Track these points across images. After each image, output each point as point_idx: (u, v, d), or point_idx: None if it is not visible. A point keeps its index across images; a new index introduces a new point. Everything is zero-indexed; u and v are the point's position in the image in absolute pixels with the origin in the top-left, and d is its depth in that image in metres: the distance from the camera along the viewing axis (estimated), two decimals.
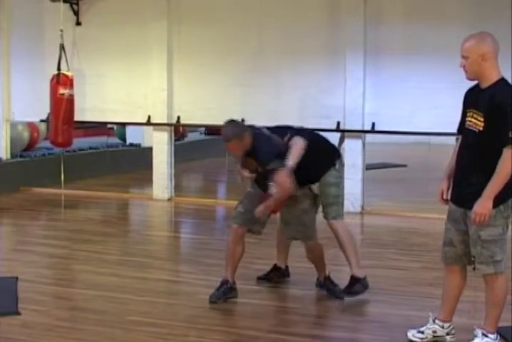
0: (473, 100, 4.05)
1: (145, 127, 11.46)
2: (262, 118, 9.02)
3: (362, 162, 8.77)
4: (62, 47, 8.81)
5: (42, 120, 10.05)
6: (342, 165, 5.50)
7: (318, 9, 8.75)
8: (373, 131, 8.66)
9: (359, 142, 8.75)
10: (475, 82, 4.13)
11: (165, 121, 9.54)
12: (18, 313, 4.78)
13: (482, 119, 3.90)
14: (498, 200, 3.93)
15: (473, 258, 4.05)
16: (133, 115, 9.65)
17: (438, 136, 8.78)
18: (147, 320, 4.72)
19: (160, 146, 9.66)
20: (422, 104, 8.28)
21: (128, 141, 13.43)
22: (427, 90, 8.21)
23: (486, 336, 4.13)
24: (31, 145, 11.20)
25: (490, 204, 3.86)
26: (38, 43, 9.92)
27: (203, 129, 15.37)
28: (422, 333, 4.31)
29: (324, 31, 8.68)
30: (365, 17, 8.43)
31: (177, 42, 9.44)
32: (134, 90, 9.63)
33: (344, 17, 8.54)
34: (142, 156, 10.80)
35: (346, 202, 8.79)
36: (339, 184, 5.29)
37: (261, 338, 4.47)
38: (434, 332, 4.30)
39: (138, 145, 13.05)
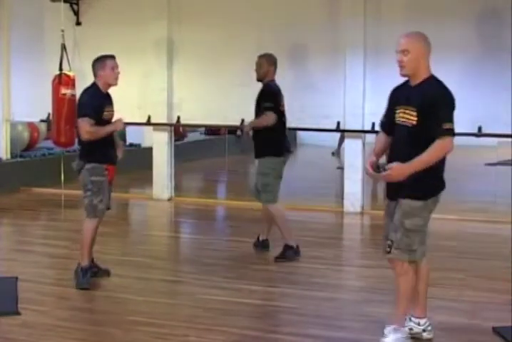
0: (403, 97, 4.11)
1: (145, 127, 11.45)
2: None
3: (362, 162, 8.77)
4: (63, 47, 8.80)
5: (42, 120, 10.06)
6: (283, 162, 6.37)
7: (318, 9, 8.75)
8: (373, 131, 8.66)
9: (359, 142, 8.75)
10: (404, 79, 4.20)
11: (165, 121, 9.54)
12: (18, 313, 4.78)
13: (415, 114, 3.99)
14: (429, 194, 4.08)
15: (389, 243, 4.11)
16: (133, 115, 9.65)
17: None
18: (147, 320, 4.73)
19: (160, 146, 9.66)
20: None
21: (128, 141, 13.43)
22: None
23: (397, 331, 4.16)
24: (31, 145, 11.21)
25: (407, 173, 3.91)
26: (38, 43, 9.92)
27: (203, 129, 15.36)
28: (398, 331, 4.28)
29: (324, 31, 8.68)
30: (365, 17, 8.43)
31: (177, 42, 9.44)
32: (134, 90, 9.62)
33: (344, 17, 8.55)
34: (142, 156, 10.79)
35: (346, 202, 8.91)
36: (269, 174, 6.24)
37: (261, 338, 4.47)
38: (411, 329, 4.31)
39: (138, 145, 13.05)
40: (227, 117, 9.25)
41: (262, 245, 6.62)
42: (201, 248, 7.07)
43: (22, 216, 8.58)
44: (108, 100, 5.60)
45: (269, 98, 6.25)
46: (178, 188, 9.94)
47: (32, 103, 9.87)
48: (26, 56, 9.99)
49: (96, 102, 5.47)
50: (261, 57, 6.42)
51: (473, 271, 6.15)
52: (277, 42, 8.79)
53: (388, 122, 4.23)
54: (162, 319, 4.75)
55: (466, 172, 12.29)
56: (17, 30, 10.05)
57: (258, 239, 6.65)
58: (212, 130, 14.86)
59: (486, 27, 8.01)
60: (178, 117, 9.54)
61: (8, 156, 10.33)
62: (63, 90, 8.76)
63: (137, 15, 9.42)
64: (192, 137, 15.15)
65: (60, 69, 8.75)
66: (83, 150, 5.61)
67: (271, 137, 6.23)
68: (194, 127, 13.57)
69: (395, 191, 4.14)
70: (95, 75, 5.53)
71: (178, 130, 12.80)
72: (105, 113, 5.49)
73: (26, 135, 11.06)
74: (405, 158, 3.96)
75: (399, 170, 3.93)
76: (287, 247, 6.25)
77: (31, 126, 11.12)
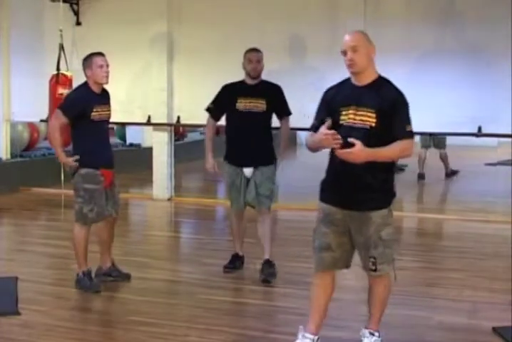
0: (351, 97, 3.90)
1: (145, 127, 11.46)
2: None
3: None
4: (61, 47, 8.80)
5: (42, 120, 10.05)
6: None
7: (318, 9, 8.75)
8: None
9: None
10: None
11: (165, 121, 9.53)
12: (18, 313, 4.78)
13: (374, 115, 3.81)
14: (389, 200, 3.96)
15: (373, 260, 3.92)
16: (133, 115, 9.65)
17: (438, 136, 8.81)
18: (147, 320, 4.72)
19: (160, 146, 9.66)
20: (422, 104, 8.25)
21: (128, 141, 13.44)
22: (427, 90, 8.20)
23: (373, 335, 4.10)
24: (31, 145, 11.21)
25: (365, 158, 3.71)
26: (38, 43, 9.91)
27: (203, 129, 15.35)
28: None
29: (324, 31, 8.68)
30: (365, 17, 8.43)
31: (177, 42, 9.44)
32: (134, 90, 9.62)
33: (344, 17, 8.54)
34: (143, 156, 10.79)
35: None
36: (275, 181, 5.80)
37: (261, 338, 4.47)
38: None
39: (138, 145, 13.05)
40: None
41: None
42: (201, 248, 7.08)
43: (22, 216, 8.59)
44: (100, 99, 5.37)
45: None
46: (178, 188, 9.94)
47: (32, 103, 9.86)
48: (26, 56, 9.98)
49: (81, 101, 5.28)
50: (258, 51, 5.82)
51: (473, 271, 6.15)
52: (277, 42, 8.79)
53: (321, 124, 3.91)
54: (162, 319, 4.75)
55: (466, 172, 12.29)
56: (17, 30, 10.04)
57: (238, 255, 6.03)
58: None
59: (487, 27, 8.00)
60: (178, 117, 9.54)
61: (8, 156, 10.32)
62: (61, 90, 8.77)
63: (137, 15, 9.42)
64: (192, 137, 15.16)
65: (58, 69, 8.76)
66: (77, 150, 5.36)
67: (272, 142, 5.84)
68: (194, 127, 13.57)
69: (353, 203, 3.91)
70: (84, 74, 5.40)
71: (178, 130, 12.80)
72: (93, 114, 5.26)
73: (26, 135, 11.06)
74: (356, 168, 3.78)
75: (361, 152, 3.70)
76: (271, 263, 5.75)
77: (31, 126, 11.12)
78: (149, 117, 9.60)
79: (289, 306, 5.00)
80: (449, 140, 11.48)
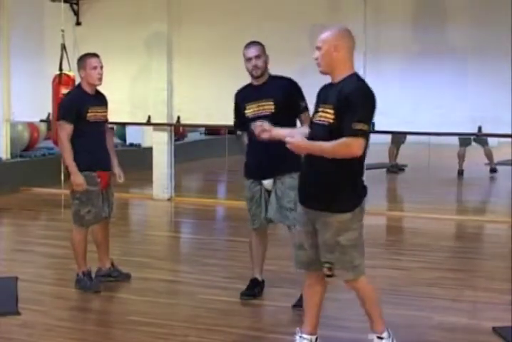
0: (325, 95, 3.95)
1: (145, 127, 11.46)
2: None
3: None
4: (63, 47, 8.80)
5: (42, 120, 10.05)
6: None
7: (318, 9, 8.74)
8: (373, 131, 8.63)
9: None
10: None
11: (165, 121, 9.54)
12: (18, 313, 4.78)
13: (332, 111, 3.76)
14: (353, 204, 3.81)
15: (328, 265, 3.83)
16: (133, 115, 9.65)
17: (438, 136, 8.80)
18: (147, 320, 4.73)
19: (160, 146, 9.66)
20: (422, 104, 8.28)
21: (128, 141, 13.44)
22: (427, 90, 8.21)
23: (381, 338, 3.99)
24: (31, 145, 11.21)
25: (303, 149, 3.74)
26: (38, 43, 9.92)
27: (203, 129, 15.37)
28: None
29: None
30: (365, 17, 8.43)
31: (177, 42, 9.44)
32: (134, 89, 9.63)
33: (344, 17, 8.53)
34: (143, 156, 10.79)
35: None
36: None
37: (261, 338, 4.47)
38: None
39: (138, 145, 13.05)
40: (227, 117, 9.21)
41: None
42: (201, 248, 7.08)
43: (22, 216, 8.59)
44: (94, 100, 5.36)
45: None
46: (178, 188, 9.94)
47: (32, 103, 9.86)
48: (26, 56, 10.00)
49: (75, 103, 5.27)
50: (256, 44, 5.36)
51: (473, 271, 6.16)
52: (277, 42, 8.78)
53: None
54: (162, 319, 4.75)
55: (466, 171, 12.28)
56: (17, 30, 10.05)
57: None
58: (212, 130, 14.86)
59: (486, 27, 8.00)
60: (178, 117, 9.54)
61: (8, 156, 10.33)
62: (63, 90, 8.77)
63: (137, 15, 9.42)
64: (192, 137, 15.16)
65: (60, 69, 8.76)
66: (73, 152, 5.27)
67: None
68: (194, 127, 13.57)
69: (310, 199, 3.87)
70: (79, 75, 5.38)
71: (178, 130, 12.80)
72: (88, 114, 5.24)
73: (26, 135, 11.06)
74: (324, 161, 3.71)
75: (299, 143, 3.70)
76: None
77: (31, 126, 11.13)
78: (149, 117, 9.60)
79: (289, 306, 5.00)
80: (449, 140, 11.49)
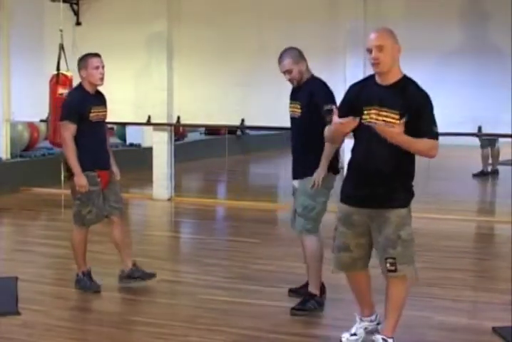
0: (375, 96, 3.88)
1: (145, 127, 11.45)
2: (262, 118, 9.05)
3: None
4: (61, 47, 8.80)
5: (42, 120, 10.05)
6: (333, 180, 5.00)
7: (318, 9, 8.75)
8: None
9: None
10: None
11: (165, 121, 9.53)
12: (18, 313, 4.78)
13: (397, 117, 3.79)
14: (408, 200, 3.98)
15: (392, 260, 3.90)
16: (133, 115, 9.65)
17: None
18: (147, 320, 4.73)
19: (160, 146, 9.66)
20: None
21: (128, 141, 13.43)
22: (427, 90, 8.18)
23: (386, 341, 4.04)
24: (31, 145, 11.21)
25: (401, 139, 3.77)
26: (38, 43, 9.92)
27: (203, 129, 15.37)
28: (355, 334, 4.25)
29: (324, 31, 8.68)
30: (365, 17, 8.43)
31: (177, 42, 9.44)
32: (134, 90, 9.62)
33: (344, 17, 8.54)
34: (143, 156, 10.79)
35: None
36: (315, 197, 4.89)
37: (261, 338, 4.47)
38: (365, 328, 4.27)
39: (138, 145, 13.05)
40: (227, 117, 9.25)
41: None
42: (201, 248, 7.08)
43: (22, 216, 8.59)
44: (95, 100, 5.35)
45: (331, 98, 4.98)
46: (178, 188, 9.94)
47: (32, 103, 9.86)
48: (26, 56, 10.00)
49: (77, 103, 5.26)
50: (281, 60, 5.03)
51: (473, 271, 6.16)
52: (277, 42, 8.77)
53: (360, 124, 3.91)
54: (163, 319, 4.75)
55: (466, 171, 12.28)
56: (17, 30, 10.05)
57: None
58: (212, 130, 14.85)
59: (486, 27, 8.00)
60: (178, 117, 9.54)
61: (8, 156, 10.32)
62: (61, 90, 8.77)
63: (137, 15, 9.42)
64: (192, 137, 15.15)
65: (58, 69, 8.76)
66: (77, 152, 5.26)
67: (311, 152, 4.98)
68: (194, 127, 13.56)
69: (372, 200, 3.94)
70: (79, 74, 5.37)
71: (178, 130, 12.80)
72: (91, 114, 5.24)
73: (26, 135, 11.06)
74: (385, 159, 3.86)
75: (399, 133, 3.74)
76: (310, 296, 5.00)
77: (31, 126, 11.12)
78: (149, 117, 9.60)
79: (289, 306, 4.99)
80: (449, 140, 11.47)
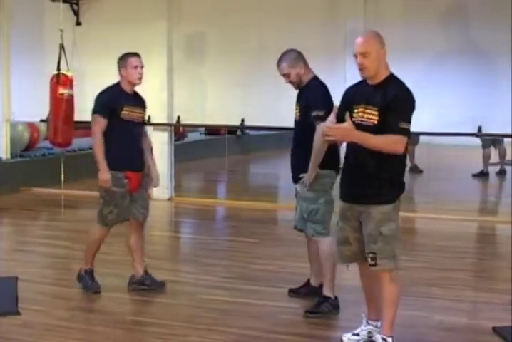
0: (363, 95, 4.02)
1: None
2: (262, 118, 9.05)
3: None
4: (62, 47, 8.80)
5: (42, 120, 10.05)
6: (333, 178, 4.90)
7: (318, 9, 8.75)
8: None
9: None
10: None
11: (165, 121, 9.53)
12: (18, 313, 4.78)
13: (376, 113, 3.91)
14: (393, 197, 4.03)
15: (372, 255, 4.00)
16: None
17: (438, 136, 8.80)
18: (147, 320, 4.73)
19: (160, 146, 9.65)
20: (423, 104, 8.23)
21: None
22: (427, 90, 8.19)
23: (385, 341, 4.05)
24: (31, 145, 11.20)
25: (353, 137, 3.92)
26: (38, 43, 9.91)
27: (203, 129, 15.37)
28: (357, 335, 4.29)
29: (324, 31, 8.68)
30: (365, 17, 8.43)
31: (177, 42, 9.44)
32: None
33: (344, 17, 8.54)
34: None
35: None
36: (316, 200, 4.86)
37: (261, 338, 4.47)
38: (369, 333, 4.27)
39: None
40: (227, 117, 9.25)
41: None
42: (201, 248, 7.08)
43: (22, 216, 8.59)
44: (131, 100, 5.28)
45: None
46: (178, 188, 9.94)
47: (32, 103, 9.85)
48: (26, 56, 9.99)
49: (110, 98, 5.21)
50: (279, 63, 5.05)
51: (473, 271, 6.16)
52: (277, 42, 8.78)
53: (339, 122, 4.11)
54: (162, 319, 4.75)
55: (466, 171, 12.29)
56: (17, 30, 10.04)
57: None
58: (212, 130, 14.86)
59: (486, 27, 8.00)
60: (178, 117, 9.54)
61: (8, 156, 10.32)
62: (61, 90, 8.77)
63: (137, 15, 9.42)
64: (192, 137, 15.16)
65: (58, 69, 8.76)
66: (105, 151, 5.18)
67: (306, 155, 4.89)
68: (194, 127, 13.57)
69: (357, 196, 4.05)
70: (119, 73, 5.31)
71: (178, 130, 12.80)
72: (123, 112, 5.18)
73: (26, 135, 11.05)
74: (367, 157, 3.94)
75: (349, 130, 3.89)
76: (324, 299, 4.92)
77: (31, 126, 11.11)
78: (149, 117, 9.58)
79: (289, 306, 5.00)
80: (449, 140, 11.48)
